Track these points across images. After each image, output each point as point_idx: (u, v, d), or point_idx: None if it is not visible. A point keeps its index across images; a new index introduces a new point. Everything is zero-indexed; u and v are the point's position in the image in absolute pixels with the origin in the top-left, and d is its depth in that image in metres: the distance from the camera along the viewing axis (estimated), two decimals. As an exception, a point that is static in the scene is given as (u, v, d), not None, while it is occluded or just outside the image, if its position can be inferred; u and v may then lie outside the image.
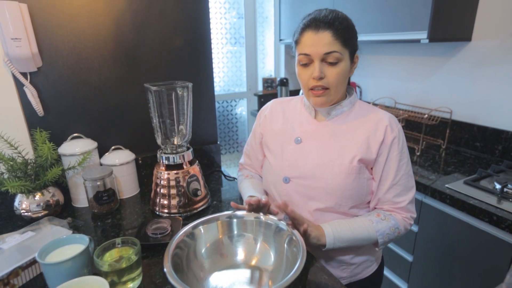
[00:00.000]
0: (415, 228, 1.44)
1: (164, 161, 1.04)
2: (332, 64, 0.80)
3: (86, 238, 0.74)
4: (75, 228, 0.97)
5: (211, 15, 1.31)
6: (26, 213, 0.98)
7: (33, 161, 1.01)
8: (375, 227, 0.83)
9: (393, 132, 0.84)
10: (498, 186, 1.24)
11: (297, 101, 0.99)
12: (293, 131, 0.93)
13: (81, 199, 1.11)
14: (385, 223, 0.84)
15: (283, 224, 0.79)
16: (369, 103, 2.17)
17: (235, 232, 0.83)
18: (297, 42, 0.84)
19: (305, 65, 0.82)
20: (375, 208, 0.89)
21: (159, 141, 1.08)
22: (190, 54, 1.32)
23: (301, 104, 0.97)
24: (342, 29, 0.79)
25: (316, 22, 0.79)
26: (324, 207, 0.86)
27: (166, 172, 1.03)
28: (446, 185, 1.31)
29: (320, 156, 0.87)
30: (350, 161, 0.84)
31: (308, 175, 0.87)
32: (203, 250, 0.79)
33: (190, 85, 1.05)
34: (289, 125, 0.95)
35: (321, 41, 0.78)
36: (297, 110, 0.96)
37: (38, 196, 0.99)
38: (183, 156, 1.05)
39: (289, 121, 0.95)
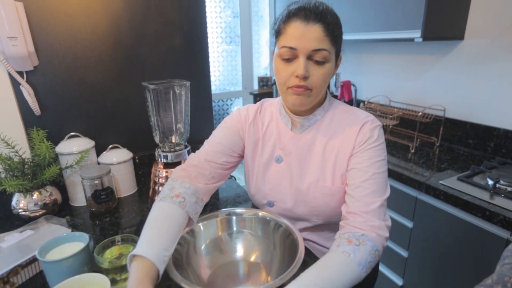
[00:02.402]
0: (410, 224, 1.46)
1: (162, 159, 1.04)
2: (319, 63, 0.72)
3: (86, 236, 0.74)
4: (74, 227, 0.97)
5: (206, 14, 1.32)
6: (23, 212, 0.98)
7: (30, 160, 1.00)
8: (354, 260, 0.63)
9: (368, 127, 0.77)
10: (490, 182, 1.27)
11: (272, 109, 0.89)
12: (273, 146, 0.86)
13: (79, 198, 1.11)
14: (362, 249, 0.64)
15: (281, 221, 0.80)
16: (363, 101, 2.19)
17: (234, 228, 0.84)
18: (279, 32, 0.73)
19: (287, 60, 0.72)
20: (342, 220, 0.74)
21: (157, 139, 1.09)
22: (187, 52, 1.32)
23: (277, 113, 0.88)
24: (333, 25, 0.71)
25: (305, 12, 0.69)
26: (313, 226, 0.84)
27: (164, 170, 1.04)
28: (440, 182, 1.33)
29: (300, 179, 0.81)
30: (331, 182, 0.78)
31: (291, 199, 0.83)
32: (202, 247, 0.79)
33: (188, 83, 1.05)
34: (267, 137, 0.87)
35: (310, 35, 0.69)
36: (274, 120, 0.87)
37: (35, 195, 0.99)
38: (181, 154, 1.05)
39: (267, 133, 0.87)
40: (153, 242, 0.64)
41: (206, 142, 0.89)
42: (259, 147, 0.88)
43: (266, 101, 0.93)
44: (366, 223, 0.68)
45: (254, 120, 0.88)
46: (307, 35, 0.69)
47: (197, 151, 0.88)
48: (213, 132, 0.91)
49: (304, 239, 0.88)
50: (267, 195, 0.86)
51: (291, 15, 0.71)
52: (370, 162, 0.75)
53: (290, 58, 0.72)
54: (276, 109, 0.89)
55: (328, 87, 0.84)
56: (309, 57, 0.71)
